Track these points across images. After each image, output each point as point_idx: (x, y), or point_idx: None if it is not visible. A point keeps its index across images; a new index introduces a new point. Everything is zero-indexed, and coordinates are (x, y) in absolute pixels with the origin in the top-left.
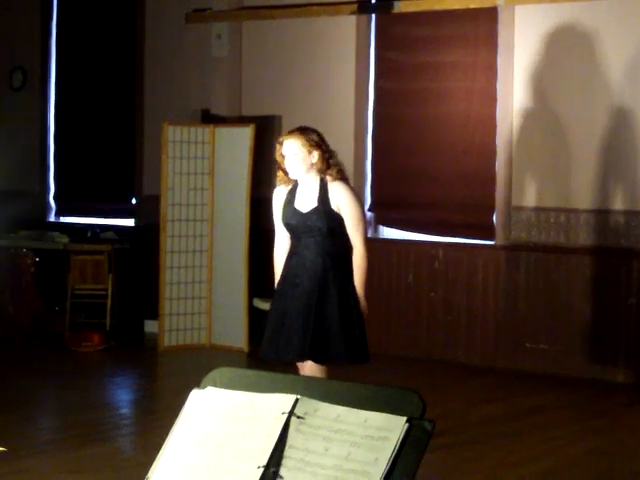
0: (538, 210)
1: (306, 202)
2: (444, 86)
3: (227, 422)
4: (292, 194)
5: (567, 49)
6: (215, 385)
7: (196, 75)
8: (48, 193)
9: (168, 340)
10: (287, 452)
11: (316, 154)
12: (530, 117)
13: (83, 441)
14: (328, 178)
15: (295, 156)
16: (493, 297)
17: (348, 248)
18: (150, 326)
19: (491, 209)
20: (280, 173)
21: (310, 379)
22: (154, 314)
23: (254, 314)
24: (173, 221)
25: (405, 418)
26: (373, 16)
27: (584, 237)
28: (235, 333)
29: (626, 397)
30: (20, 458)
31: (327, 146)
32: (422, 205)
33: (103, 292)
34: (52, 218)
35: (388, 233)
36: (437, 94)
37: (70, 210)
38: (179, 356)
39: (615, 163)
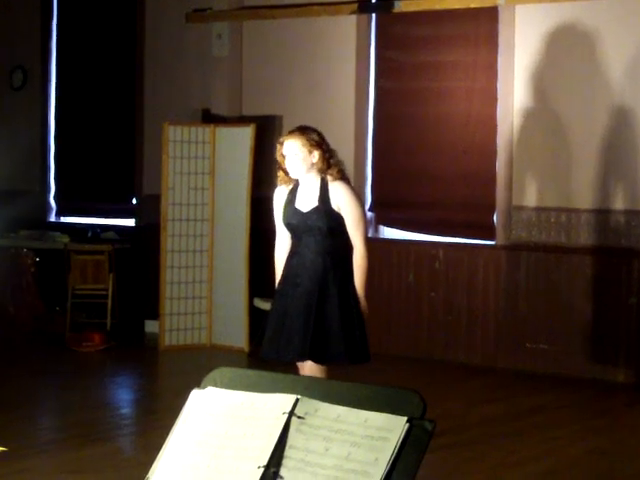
0: (539, 210)
1: (307, 202)
2: (444, 86)
3: (227, 422)
4: (293, 194)
5: (568, 49)
6: (215, 385)
7: (196, 75)
8: (48, 193)
9: (169, 340)
10: (287, 452)
11: (316, 154)
12: (531, 117)
13: (84, 441)
14: (329, 178)
15: (295, 156)
16: (493, 297)
17: (348, 248)
18: (151, 326)
19: (491, 209)
20: (281, 173)
21: (310, 379)
22: (155, 314)
23: (254, 314)
24: (173, 221)
25: (405, 418)
26: (373, 16)
27: (585, 237)
28: (235, 333)
29: (627, 397)
30: (21, 458)
31: (327, 146)
32: (422, 205)
33: (104, 292)
34: (52, 218)
35: (388, 233)
36: (437, 94)
37: (70, 210)
38: (179, 356)
39: (616, 163)
